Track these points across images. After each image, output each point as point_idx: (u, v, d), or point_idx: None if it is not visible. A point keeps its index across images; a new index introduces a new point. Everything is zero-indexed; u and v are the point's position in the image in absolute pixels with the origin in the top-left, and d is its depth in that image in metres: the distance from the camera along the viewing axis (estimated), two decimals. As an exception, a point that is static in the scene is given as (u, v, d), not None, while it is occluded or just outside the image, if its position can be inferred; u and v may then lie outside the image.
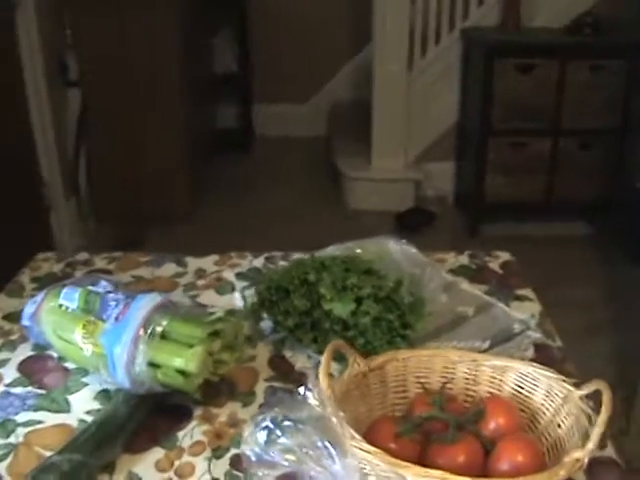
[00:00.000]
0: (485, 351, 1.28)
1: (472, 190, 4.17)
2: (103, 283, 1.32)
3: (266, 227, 4.03)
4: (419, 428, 1.03)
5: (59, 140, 3.78)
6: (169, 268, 1.66)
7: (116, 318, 1.20)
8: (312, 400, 0.95)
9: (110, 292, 1.28)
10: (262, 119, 5.32)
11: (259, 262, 1.65)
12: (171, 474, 1.10)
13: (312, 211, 4.33)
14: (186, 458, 1.12)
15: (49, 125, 3.65)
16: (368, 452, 0.92)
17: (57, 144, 3.75)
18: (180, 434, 1.17)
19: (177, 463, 1.12)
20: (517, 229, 4.13)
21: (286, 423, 0.92)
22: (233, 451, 1.12)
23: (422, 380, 1.13)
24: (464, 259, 1.65)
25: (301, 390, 0.96)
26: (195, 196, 4.36)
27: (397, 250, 1.44)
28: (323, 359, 1.02)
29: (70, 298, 1.30)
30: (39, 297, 1.37)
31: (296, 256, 1.60)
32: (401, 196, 4.31)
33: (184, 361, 1.14)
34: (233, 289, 1.55)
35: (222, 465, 1.11)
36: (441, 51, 4.27)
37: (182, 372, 1.14)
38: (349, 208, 4.40)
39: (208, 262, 1.67)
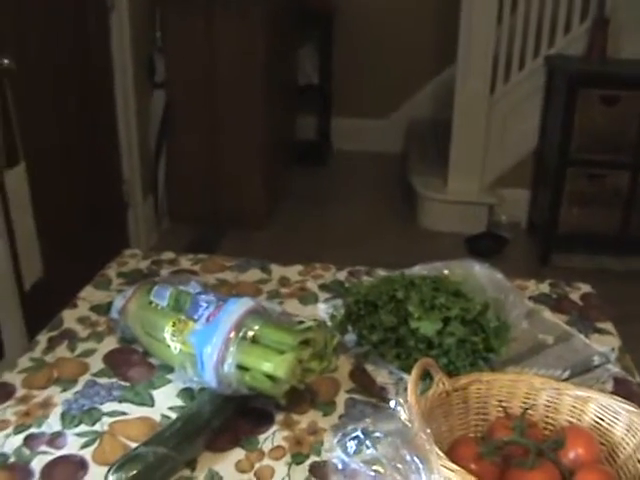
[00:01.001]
0: (564, 381, 1.28)
1: (546, 218, 4.13)
2: (193, 284, 1.35)
3: (338, 241, 4.04)
4: (499, 451, 1.03)
5: (141, 140, 3.85)
6: (253, 274, 1.68)
7: (207, 319, 1.23)
8: (402, 415, 0.96)
9: (201, 293, 1.30)
10: (340, 133, 5.34)
11: (342, 275, 1.67)
12: (251, 475, 1.12)
13: (384, 228, 4.34)
14: (266, 461, 1.14)
15: (133, 125, 3.72)
16: (453, 471, 0.93)
17: (139, 144, 3.82)
18: (261, 437, 1.19)
19: (257, 465, 1.13)
20: (590, 261, 4.08)
21: (376, 434, 0.93)
22: (312, 458, 1.14)
23: (504, 404, 1.14)
24: (545, 288, 1.65)
25: (392, 404, 0.97)
26: (271, 204, 4.39)
27: (482, 274, 1.44)
28: (412, 375, 1.03)
29: (161, 296, 1.33)
30: (129, 292, 1.41)
31: (379, 272, 1.62)
32: (474, 219, 4.30)
33: (273, 366, 1.16)
34: (316, 299, 1.57)
35: (301, 471, 1.12)
36: (524, 76, 4.25)
37: (270, 377, 1.16)
38: (421, 228, 4.39)
39: (292, 271, 1.69)
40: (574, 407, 1.12)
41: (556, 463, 1.01)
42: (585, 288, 1.67)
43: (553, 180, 4.03)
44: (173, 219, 4.31)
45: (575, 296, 1.63)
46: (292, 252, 3.85)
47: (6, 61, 2.48)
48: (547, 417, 1.14)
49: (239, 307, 1.22)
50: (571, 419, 1.12)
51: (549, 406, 1.14)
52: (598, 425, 1.10)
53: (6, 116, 2.51)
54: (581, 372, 1.33)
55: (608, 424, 1.09)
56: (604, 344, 1.44)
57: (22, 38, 2.69)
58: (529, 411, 1.12)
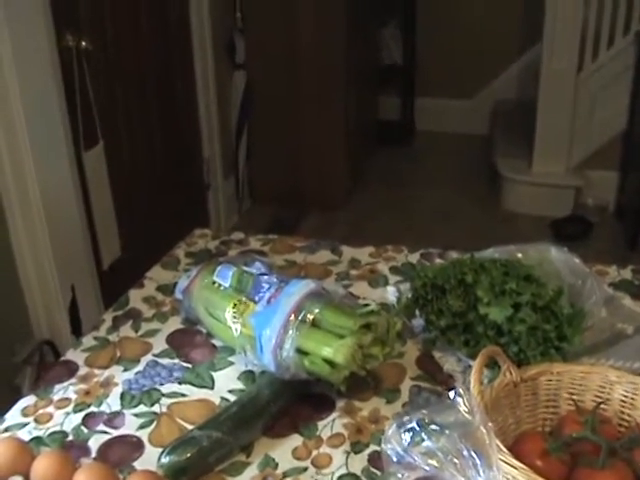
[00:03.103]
0: (644, 374, 1.21)
1: (635, 202, 4.00)
2: (257, 264, 1.32)
3: (419, 222, 3.99)
4: (568, 448, 0.98)
5: (222, 120, 3.85)
6: (323, 255, 1.65)
7: (268, 301, 1.20)
8: (461, 406, 0.91)
9: (264, 274, 1.28)
10: (424, 113, 5.26)
11: (414, 257, 1.62)
12: (307, 463, 1.09)
13: (466, 210, 4.26)
14: (324, 449, 1.11)
15: (214, 105, 3.72)
16: (514, 467, 0.88)
17: (220, 124, 3.82)
18: (320, 424, 1.16)
19: (315, 453, 1.11)
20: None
21: (432, 426, 0.89)
22: (372, 447, 1.11)
23: (575, 397, 1.08)
24: (627, 273, 1.57)
25: (451, 394, 0.93)
26: (352, 184, 4.36)
27: (559, 258, 1.37)
28: (475, 364, 0.98)
29: (224, 276, 1.31)
30: (193, 272, 1.40)
31: (452, 254, 1.57)
32: (559, 202, 4.18)
33: (333, 351, 1.12)
34: (386, 282, 1.53)
35: (360, 461, 1.09)
36: (614, 54, 4.09)
37: (330, 362, 1.13)
38: (504, 210, 4.30)
39: (363, 253, 1.65)
40: (652, 403, 1.06)
41: (630, 463, 0.95)
42: (670, 275, 1.59)
43: (643, 161, 3.89)
44: (254, 199, 4.31)
45: (660, 283, 1.55)
46: (371, 233, 3.82)
47: (84, 43, 2.50)
48: (622, 413, 1.08)
49: (300, 289, 1.19)
50: (649, 416, 1.06)
51: (625, 401, 1.07)
52: (678, 423, 1.04)
53: (85, 97, 2.53)
54: (663, 365, 1.26)
55: (688, 423, 1.03)
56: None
57: (101, 20, 2.71)
58: (602, 406, 1.06)
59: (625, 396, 1.07)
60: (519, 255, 1.35)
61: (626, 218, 4.16)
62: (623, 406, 1.07)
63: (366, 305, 1.25)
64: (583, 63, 4.09)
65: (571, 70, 4.06)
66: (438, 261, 1.58)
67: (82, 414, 1.20)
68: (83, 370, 1.31)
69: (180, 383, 1.26)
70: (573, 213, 4.18)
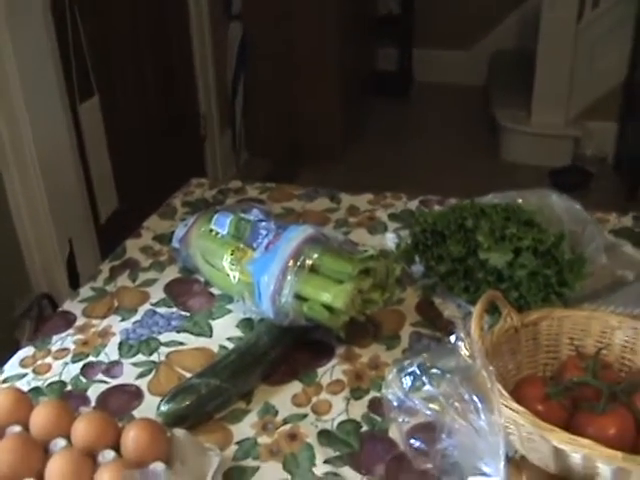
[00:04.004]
0: (645, 319, 1.20)
1: (634, 153, 3.98)
2: (255, 211, 1.31)
3: (417, 173, 3.97)
4: (569, 392, 0.97)
5: (218, 73, 3.81)
6: (322, 203, 1.64)
7: (266, 247, 1.19)
8: (462, 350, 0.90)
9: (262, 220, 1.26)
10: (422, 64, 5.22)
11: (413, 205, 1.61)
12: (307, 409, 1.09)
13: (465, 160, 4.24)
14: (324, 395, 1.11)
15: (210, 57, 3.68)
16: (515, 411, 0.87)
17: (216, 76, 3.78)
18: (320, 370, 1.16)
19: (314, 399, 1.10)
20: (680, 198, 3.93)
21: (433, 370, 0.88)
22: (372, 394, 1.10)
23: (576, 342, 1.07)
24: (628, 221, 1.56)
25: (452, 338, 0.92)
26: (348, 135, 4.33)
27: (559, 204, 1.35)
28: (476, 310, 0.97)
29: (221, 224, 1.29)
30: (190, 221, 1.38)
31: (451, 201, 1.55)
32: (558, 153, 4.16)
33: (332, 297, 1.11)
34: (385, 229, 1.52)
35: (360, 407, 1.09)
36: (614, 3, 4.04)
37: (328, 307, 1.12)
38: (503, 160, 4.28)
39: (362, 200, 1.64)
40: (653, 348, 1.05)
41: (630, 408, 0.95)
42: (672, 222, 1.57)
43: (643, 113, 3.86)
44: (250, 152, 4.28)
45: (660, 230, 1.53)
46: (369, 185, 3.78)
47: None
48: (623, 358, 1.07)
49: (298, 235, 1.17)
50: (650, 361, 1.05)
51: (626, 346, 1.06)
52: (679, 368, 1.03)
53: (79, 50, 2.49)
54: (664, 311, 1.25)
55: (690, 367, 1.02)
56: (690, 282, 1.35)
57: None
58: (603, 351, 1.05)
59: (626, 341, 1.06)
60: (519, 201, 1.34)
61: (625, 169, 4.15)
62: (624, 351, 1.06)
63: (365, 251, 1.24)
64: (583, 11, 4.04)
65: (571, 19, 4.02)
66: (437, 208, 1.56)
67: (80, 364, 1.20)
68: (81, 320, 1.30)
69: (178, 332, 1.26)
70: (572, 163, 4.16)
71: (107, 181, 2.75)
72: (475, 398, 0.85)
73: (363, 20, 4.62)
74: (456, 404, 0.85)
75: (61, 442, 0.96)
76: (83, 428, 0.97)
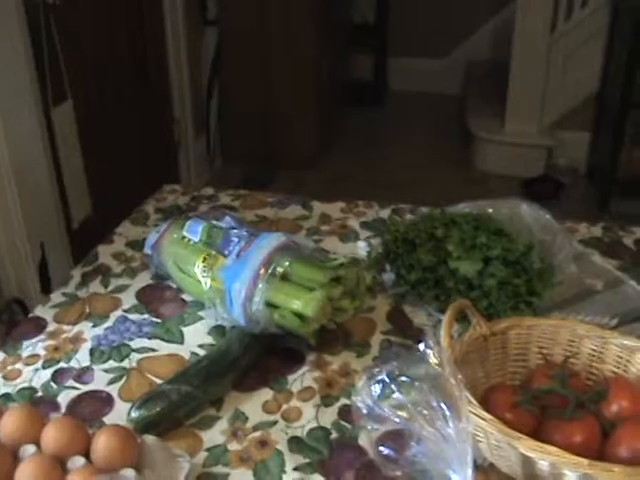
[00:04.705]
0: (612, 329, 1.21)
1: (606, 163, 4.01)
2: (227, 219, 1.31)
3: (391, 181, 3.98)
4: (537, 400, 0.98)
5: (193, 78, 3.81)
6: (294, 210, 1.64)
7: (238, 254, 1.19)
8: (431, 358, 0.91)
9: (234, 228, 1.27)
10: (397, 73, 5.24)
11: (385, 213, 1.62)
12: (278, 416, 1.09)
13: (439, 169, 4.26)
14: (294, 402, 1.11)
15: (184, 62, 3.68)
16: (483, 419, 0.88)
17: (190, 82, 3.78)
18: (290, 378, 1.16)
19: (285, 406, 1.11)
20: (650, 208, 3.96)
21: (402, 378, 0.89)
22: (343, 401, 1.11)
23: (544, 351, 1.08)
24: (597, 231, 1.58)
25: (420, 346, 0.93)
26: (323, 143, 4.34)
27: (529, 214, 1.37)
28: (446, 318, 0.98)
29: (193, 231, 1.30)
30: (163, 227, 1.38)
31: (423, 210, 1.56)
32: (531, 162, 4.18)
33: (302, 304, 1.12)
34: (357, 238, 1.52)
35: (330, 414, 1.09)
36: (587, 15, 4.08)
37: (299, 315, 1.12)
38: (477, 170, 4.30)
39: (334, 208, 1.65)
40: (620, 357, 1.06)
41: (597, 415, 0.96)
42: (640, 233, 1.59)
43: (614, 123, 3.89)
44: (225, 158, 4.28)
45: (629, 241, 1.55)
46: (344, 192, 3.79)
47: (52, -2, 2.45)
48: (591, 367, 1.08)
49: (270, 242, 1.18)
50: (616, 370, 1.06)
51: (593, 355, 1.08)
52: (645, 378, 1.04)
53: (53, 53, 2.48)
54: (631, 320, 1.26)
55: (657, 377, 1.04)
56: (657, 292, 1.36)
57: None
58: (571, 360, 1.06)
59: (594, 350, 1.07)
60: (490, 210, 1.35)
61: (597, 179, 4.18)
62: (592, 360, 1.08)
63: (336, 259, 1.24)
64: (557, 23, 4.07)
65: (544, 29, 4.05)
66: (409, 217, 1.58)
67: (51, 370, 1.19)
68: (52, 326, 1.29)
69: (150, 338, 1.26)
70: (545, 173, 4.19)
71: (80, 186, 2.74)
72: (443, 406, 0.86)
73: (339, 28, 4.63)
74: (424, 411, 0.86)
75: (31, 448, 0.96)
76: (53, 434, 0.96)
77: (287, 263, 1.15)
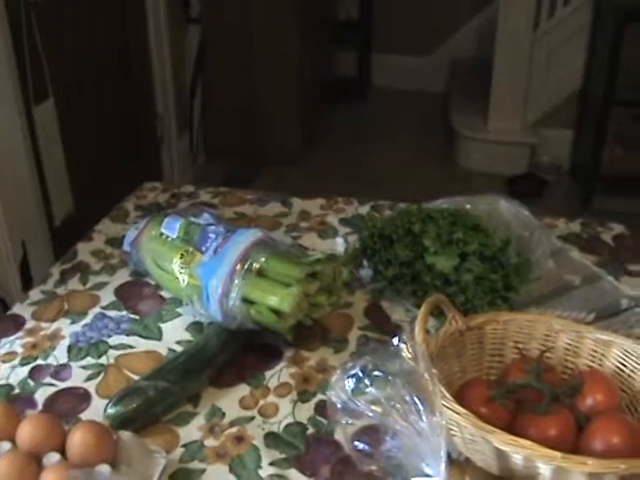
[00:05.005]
0: (589, 324, 1.21)
1: (588, 161, 4.02)
2: (205, 215, 1.31)
3: (374, 178, 3.98)
4: (512, 395, 0.98)
5: (176, 75, 3.80)
6: (273, 207, 1.65)
7: (215, 250, 1.19)
8: (405, 353, 0.91)
9: (211, 224, 1.27)
10: (380, 70, 5.24)
11: (364, 210, 1.62)
12: (255, 412, 1.09)
13: (422, 167, 4.25)
14: (271, 398, 1.12)
15: (167, 58, 3.66)
16: (457, 413, 0.88)
17: (174, 79, 3.77)
18: (267, 373, 1.16)
19: (262, 402, 1.11)
20: (633, 205, 3.96)
21: (375, 373, 0.89)
22: (319, 397, 1.11)
23: (520, 346, 1.09)
24: (575, 227, 1.59)
25: (395, 341, 0.93)
26: (306, 140, 4.33)
27: (507, 210, 1.37)
28: (421, 312, 0.98)
29: (171, 227, 1.29)
30: (141, 224, 1.38)
31: (402, 206, 1.56)
32: (515, 160, 4.19)
33: (279, 300, 1.12)
34: (336, 234, 1.53)
35: (307, 409, 1.09)
36: (570, 13, 4.09)
37: (276, 311, 1.13)
38: (460, 167, 4.31)
39: (313, 205, 1.65)
40: (595, 351, 1.07)
41: (572, 409, 0.97)
42: (618, 229, 1.60)
43: (597, 120, 3.90)
44: (208, 155, 4.28)
45: (607, 236, 1.56)
46: (327, 190, 3.79)
47: (32, -5, 2.44)
48: (566, 361, 1.09)
49: (247, 238, 1.18)
50: (591, 364, 1.07)
51: (569, 350, 1.08)
52: (620, 371, 1.05)
53: (34, 51, 2.47)
54: (608, 315, 1.27)
55: (631, 371, 1.04)
56: (635, 287, 1.37)
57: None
58: (547, 354, 1.07)
59: (569, 344, 1.08)
60: (467, 206, 1.35)
61: (580, 176, 4.19)
62: (567, 354, 1.08)
63: (312, 255, 1.24)
64: (539, 20, 4.08)
65: (527, 27, 4.06)
66: (388, 212, 1.58)
67: (29, 367, 1.19)
68: (30, 324, 1.29)
69: (128, 335, 1.26)
70: (528, 171, 4.20)
71: (62, 183, 2.73)
72: (417, 400, 0.86)
73: (323, 25, 4.63)
74: (398, 406, 0.86)
75: (6, 445, 0.96)
76: (28, 431, 0.96)
77: (263, 259, 1.15)
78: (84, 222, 1.67)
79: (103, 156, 3.07)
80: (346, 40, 5.12)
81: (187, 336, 1.24)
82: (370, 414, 0.88)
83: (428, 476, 0.87)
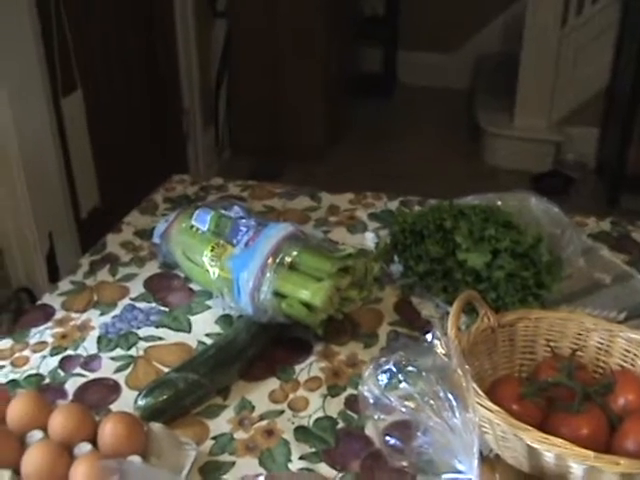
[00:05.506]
0: (620, 323, 1.21)
1: (615, 158, 3.99)
2: (236, 208, 1.31)
3: (399, 175, 3.96)
4: (544, 393, 0.98)
5: (202, 69, 3.80)
6: (302, 201, 1.64)
7: (246, 244, 1.19)
8: (439, 349, 0.91)
9: (242, 218, 1.27)
10: (406, 66, 5.22)
11: (393, 205, 1.62)
12: (284, 406, 1.09)
13: (447, 163, 4.24)
14: (301, 392, 1.12)
15: (194, 54, 3.67)
16: (490, 410, 0.88)
17: (200, 73, 3.77)
18: (297, 367, 1.16)
19: (291, 396, 1.11)
20: (659, 204, 3.94)
21: (409, 368, 0.89)
22: (349, 391, 1.11)
23: (552, 344, 1.08)
24: (605, 225, 1.57)
25: (428, 337, 0.93)
26: (331, 136, 4.33)
27: (538, 207, 1.37)
28: (453, 309, 0.98)
29: (202, 220, 1.29)
30: (171, 216, 1.38)
31: (432, 202, 1.56)
32: (540, 157, 4.17)
33: (310, 294, 1.12)
34: (365, 229, 1.52)
35: (337, 404, 1.09)
36: (598, 10, 4.06)
37: (307, 305, 1.13)
38: (485, 164, 4.29)
39: (342, 199, 1.65)
40: (627, 351, 1.06)
41: (604, 409, 0.96)
42: (648, 228, 1.59)
43: (624, 118, 3.87)
44: (234, 150, 4.28)
45: (637, 235, 1.54)
46: (351, 185, 3.79)
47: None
48: (598, 360, 1.08)
49: (278, 232, 1.18)
50: (623, 363, 1.06)
51: (600, 348, 1.07)
52: (653, 371, 1.04)
53: (63, 43, 2.48)
54: (639, 314, 1.26)
55: (663, 371, 1.03)
56: (666, 287, 1.36)
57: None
58: (579, 352, 1.06)
59: (601, 343, 1.07)
60: (498, 203, 1.35)
61: (606, 174, 4.17)
62: (599, 353, 1.07)
63: (344, 249, 1.24)
64: (567, 17, 4.06)
65: (555, 24, 4.04)
66: (417, 208, 1.57)
67: (59, 357, 1.20)
68: (60, 314, 1.30)
69: (157, 327, 1.26)
70: (554, 168, 4.18)
71: (89, 175, 2.74)
72: (450, 396, 0.86)
73: (348, 20, 4.62)
74: (431, 402, 0.86)
75: (38, 434, 0.96)
76: (60, 421, 0.97)
77: (295, 253, 1.15)
78: (110, 214, 1.67)
79: (129, 149, 3.08)
80: (372, 36, 5.10)
81: (216, 329, 1.24)
82: (403, 409, 0.88)
83: (460, 472, 0.86)
